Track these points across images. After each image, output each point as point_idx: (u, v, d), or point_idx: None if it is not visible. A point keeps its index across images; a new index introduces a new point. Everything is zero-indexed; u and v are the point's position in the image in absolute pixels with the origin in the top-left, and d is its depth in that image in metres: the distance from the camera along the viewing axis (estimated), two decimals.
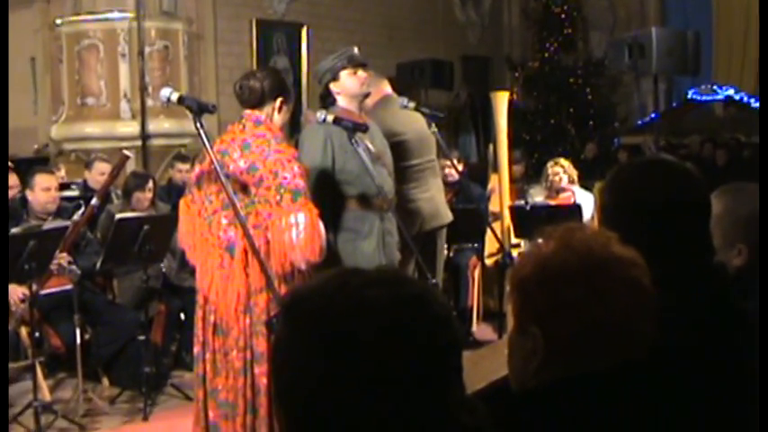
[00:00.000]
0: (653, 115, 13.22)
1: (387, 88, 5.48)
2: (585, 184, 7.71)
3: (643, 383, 1.53)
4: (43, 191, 5.84)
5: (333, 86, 4.73)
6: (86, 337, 5.79)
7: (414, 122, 5.31)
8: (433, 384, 1.17)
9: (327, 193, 4.52)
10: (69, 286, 5.53)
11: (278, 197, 3.84)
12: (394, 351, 1.15)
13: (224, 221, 3.92)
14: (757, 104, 12.16)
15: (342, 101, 4.72)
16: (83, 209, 5.82)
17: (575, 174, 7.53)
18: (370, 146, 4.55)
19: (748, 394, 1.84)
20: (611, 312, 1.50)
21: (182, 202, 4.11)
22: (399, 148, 5.16)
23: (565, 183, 7.42)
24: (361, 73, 4.73)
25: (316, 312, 1.18)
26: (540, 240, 1.60)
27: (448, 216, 5.62)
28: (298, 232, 3.80)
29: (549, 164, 7.60)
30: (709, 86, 15.07)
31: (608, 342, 1.50)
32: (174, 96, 3.67)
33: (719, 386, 1.81)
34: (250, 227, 3.77)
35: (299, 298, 1.22)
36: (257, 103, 4.04)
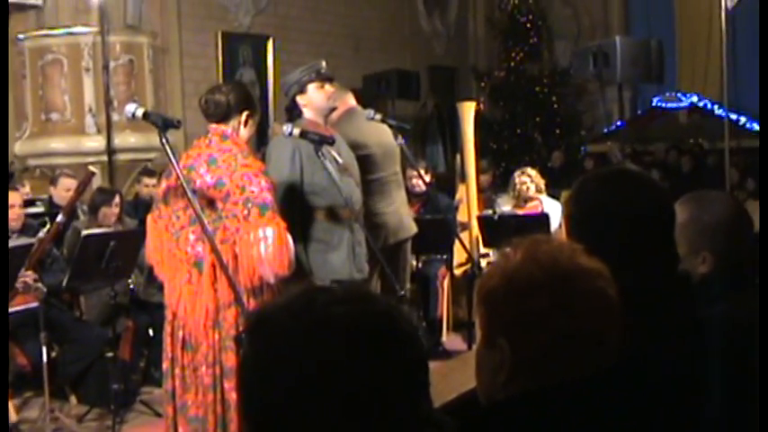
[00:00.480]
0: (618, 123, 13.35)
1: (351, 101, 5.49)
2: (553, 192, 7.76)
3: (610, 394, 1.53)
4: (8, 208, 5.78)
5: (299, 99, 4.75)
6: (53, 354, 5.72)
7: (378, 135, 5.32)
8: (401, 400, 1.17)
9: (296, 204, 4.52)
10: (35, 304, 5.47)
11: (245, 211, 3.83)
12: (361, 368, 1.14)
13: (191, 237, 3.90)
14: (720, 111, 12.29)
15: (308, 113, 4.74)
16: (48, 226, 5.76)
17: (542, 183, 7.57)
18: (338, 158, 4.56)
19: (715, 401, 1.86)
20: (577, 324, 1.50)
21: (149, 218, 4.09)
22: (364, 162, 5.16)
23: (532, 192, 7.45)
24: (328, 87, 4.75)
25: (282, 330, 1.18)
26: (506, 252, 1.61)
27: (412, 228, 5.64)
28: (266, 246, 3.79)
29: (517, 173, 7.63)
30: (673, 94, 15.23)
31: (575, 353, 1.51)
32: (139, 112, 3.65)
33: (687, 394, 1.83)
34: (218, 242, 3.76)
35: (266, 316, 1.21)
36: (223, 118, 4.03)
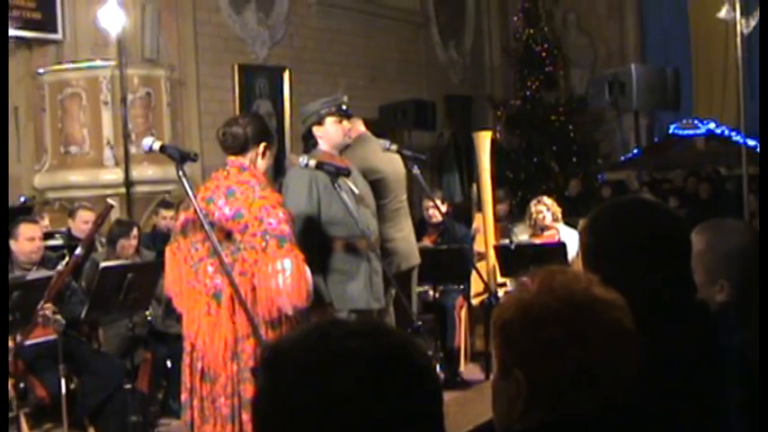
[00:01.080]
0: (635, 151, 13.31)
1: (361, 127, 5.55)
2: (570, 221, 7.73)
3: (627, 425, 1.53)
4: (27, 240, 5.81)
5: (316, 130, 4.76)
6: (72, 386, 5.73)
7: (390, 161, 5.38)
8: None
9: (314, 235, 4.53)
10: (54, 336, 5.49)
11: (263, 243, 3.84)
12: (375, 402, 1.14)
13: (210, 269, 3.91)
14: (738, 138, 12.26)
15: (323, 145, 4.75)
16: (67, 258, 5.79)
17: (558, 211, 7.55)
18: (354, 188, 4.57)
19: (734, 430, 1.84)
20: (593, 355, 1.50)
21: (167, 250, 4.10)
22: (377, 186, 5.22)
23: (549, 221, 7.44)
24: (346, 123, 4.76)
25: (297, 364, 1.18)
26: (522, 282, 1.60)
27: (418, 257, 5.75)
28: (284, 278, 3.80)
29: (533, 202, 7.63)
30: (690, 121, 15.19)
31: (591, 385, 1.50)
32: (156, 145, 3.68)
33: (705, 423, 1.81)
34: (236, 274, 3.77)
35: (280, 350, 1.21)
36: (241, 150, 4.05)
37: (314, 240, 4.49)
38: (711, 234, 2.48)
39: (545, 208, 7.47)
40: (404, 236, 5.55)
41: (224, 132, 4.08)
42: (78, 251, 5.44)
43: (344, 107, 4.77)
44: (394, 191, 5.46)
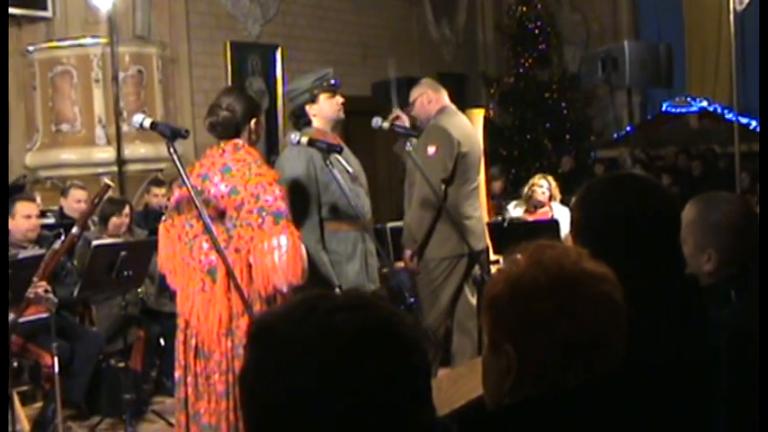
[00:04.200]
0: (628, 128, 13.29)
1: (445, 98, 5.66)
2: (563, 198, 7.75)
3: (617, 398, 1.53)
4: (24, 218, 5.80)
5: (309, 108, 4.70)
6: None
7: (474, 140, 5.64)
8: (402, 406, 1.17)
9: (313, 212, 4.51)
10: (46, 315, 5.47)
11: (260, 220, 3.82)
12: (362, 374, 1.15)
13: (205, 246, 3.90)
14: (731, 115, 12.26)
15: (317, 122, 4.71)
16: (63, 237, 5.77)
17: (557, 193, 7.59)
18: (348, 167, 4.55)
19: (722, 405, 1.85)
20: (582, 328, 1.50)
21: (161, 227, 4.08)
22: (464, 161, 5.45)
23: (543, 197, 7.47)
24: (338, 98, 4.72)
25: (284, 338, 1.18)
26: (512, 258, 1.60)
27: (486, 241, 5.99)
28: (280, 255, 3.79)
29: (537, 176, 7.70)
30: (683, 98, 15.18)
31: (581, 358, 1.51)
32: (147, 123, 3.65)
33: (693, 399, 1.82)
34: (232, 251, 3.76)
35: (267, 324, 1.21)
36: (235, 133, 4.00)
37: (312, 217, 4.48)
38: (703, 205, 2.51)
39: (546, 183, 7.51)
40: (479, 216, 5.77)
41: (211, 123, 3.99)
42: (75, 230, 5.41)
43: (333, 81, 4.73)
44: (477, 168, 5.67)
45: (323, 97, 4.68)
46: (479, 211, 5.83)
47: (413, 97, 5.73)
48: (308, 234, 4.35)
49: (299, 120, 4.73)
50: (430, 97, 5.66)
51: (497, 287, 1.57)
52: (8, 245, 5.57)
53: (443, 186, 5.40)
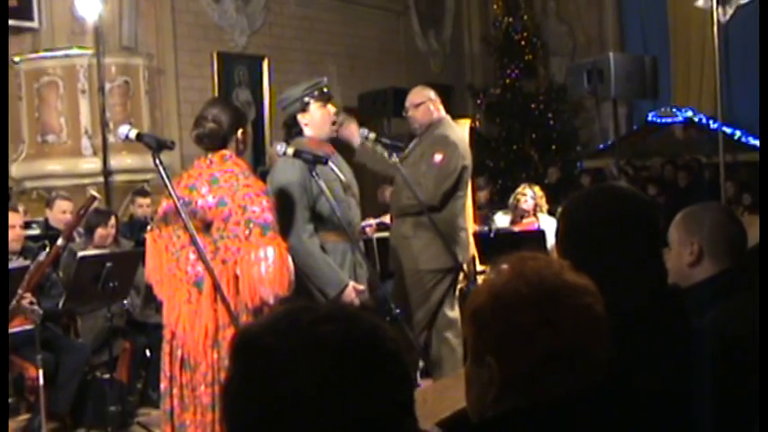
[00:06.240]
0: (614, 139, 13.35)
1: (441, 110, 5.75)
2: (549, 209, 7.77)
3: (600, 410, 1.53)
4: (8, 228, 5.77)
5: (301, 117, 4.61)
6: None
7: (469, 153, 5.67)
8: (385, 418, 1.17)
9: (311, 220, 4.48)
10: (31, 326, 5.44)
11: (247, 231, 3.81)
12: (345, 386, 1.15)
13: (192, 257, 3.88)
14: (715, 125, 12.32)
15: (309, 131, 4.64)
16: (48, 248, 5.74)
17: (543, 203, 7.61)
18: (341, 175, 4.53)
19: (706, 414, 1.86)
20: (564, 340, 1.51)
21: (148, 237, 4.06)
22: (463, 174, 5.54)
23: (529, 206, 7.50)
24: (330, 107, 4.66)
25: (267, 350, 1.18)
26: (495, 269, 1.61)
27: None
28: (267, 266, 3.78)
29: (523, 185, 7.73)
30: (668, 109, 15.25)
31: (563, 370, 1.51)
32: (133, 134, 3.65)
33: (676, 408, 1.83)
34: (218, 262, 3.76)
35: (250, 336, 1.22)
36: (222, 145, 3.99)
37: (305, 228, 4.44)
38: (692, 207, 2.61)
39: (531, 193, 7.53)
40: (466, 229, 5.81)
41: (198, 135, 3.96)
42: (60, 241, 5.39)
43: (326, 90, 4.68)
44: (468, 182, 5.74)
45: (314, 106, 4.59)
46: (466, 225, 5.87)
47: (418, 101, 5.71)
48: (310, 241, 4.36)
49: (291, 129, 4.67)
50: (435, 104, 5.69)
51: (480, 299, 1.58)
52: (8, 246, 5.54)
53: (442, 196, 5.42)
